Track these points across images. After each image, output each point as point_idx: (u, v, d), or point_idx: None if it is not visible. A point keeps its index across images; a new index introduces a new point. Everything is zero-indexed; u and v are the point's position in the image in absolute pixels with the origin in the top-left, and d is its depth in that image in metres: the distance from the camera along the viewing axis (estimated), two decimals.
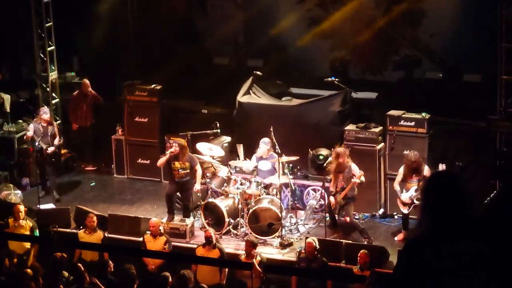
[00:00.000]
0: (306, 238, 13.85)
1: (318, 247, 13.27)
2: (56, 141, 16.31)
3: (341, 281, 13.26)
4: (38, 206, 15.70)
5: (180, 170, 15.05)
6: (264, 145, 15.25)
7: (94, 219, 14.25)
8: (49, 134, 16.24)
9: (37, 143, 16.18)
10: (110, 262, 12.74)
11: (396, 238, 14.71)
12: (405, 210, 14.47)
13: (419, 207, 5.20)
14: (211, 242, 13.49)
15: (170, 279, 11.95)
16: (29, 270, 12.16)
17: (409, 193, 14.34)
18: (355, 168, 14.50)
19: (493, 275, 4.98)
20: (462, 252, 4.97)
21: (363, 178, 14.42)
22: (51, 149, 16.16)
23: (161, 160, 15.35)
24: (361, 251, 13.05)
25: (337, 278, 12.39)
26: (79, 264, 12.72)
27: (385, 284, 7.16)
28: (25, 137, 16.57)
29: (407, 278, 5.04)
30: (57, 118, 16.98)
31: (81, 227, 14.52)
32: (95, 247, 12.15)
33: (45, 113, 16.36)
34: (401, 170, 14.47)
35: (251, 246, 13.41)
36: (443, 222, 5.05)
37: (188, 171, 15.09)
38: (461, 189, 5.11)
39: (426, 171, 14.31)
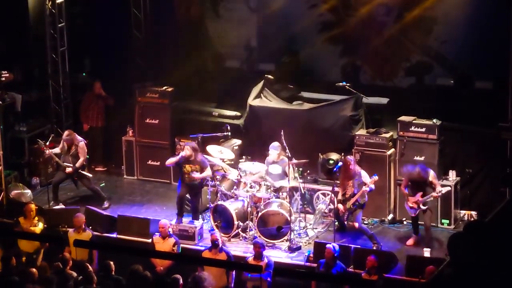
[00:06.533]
0: (315, 242, 13.87)
1: (337, 253, 13.13)
2: (78, 164, 16.02)
3: (349, 285, 13.23)
4: (47, 205, 15.77)
5: (191, 173, 15.06)
6: (274, 150, 15.26)
7: (81, 218, 14.24)
8: (70, 154, 16.06)
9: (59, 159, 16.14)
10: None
11: (407, 243, 14.70)
12: (411, 211, 14.53)
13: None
14: (217, 245, 13.47)
15: (181, 281, 11.91)
16: (34, 270, 12.19)
17: (416, 198, 14.43)
18: (365, 175, 14.51)
19: None
20: None
21: (372, 186, 14.41)
22: (68, 170, 16.04)
23: (170, 160, 15.36)
24: (370, 256, 13.05)
25: (344, 283, 12.36)
26: (87, 264, 12.77)
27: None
28: (47, 151, 16.12)
29: None
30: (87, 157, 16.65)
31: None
32: (105, 248, 12.18)
33: (66, 135, 16.18)
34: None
35: (260, 247, 13.40)
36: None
37: (198, 173, 15.10)
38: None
39: (432, 177, 14.42)
